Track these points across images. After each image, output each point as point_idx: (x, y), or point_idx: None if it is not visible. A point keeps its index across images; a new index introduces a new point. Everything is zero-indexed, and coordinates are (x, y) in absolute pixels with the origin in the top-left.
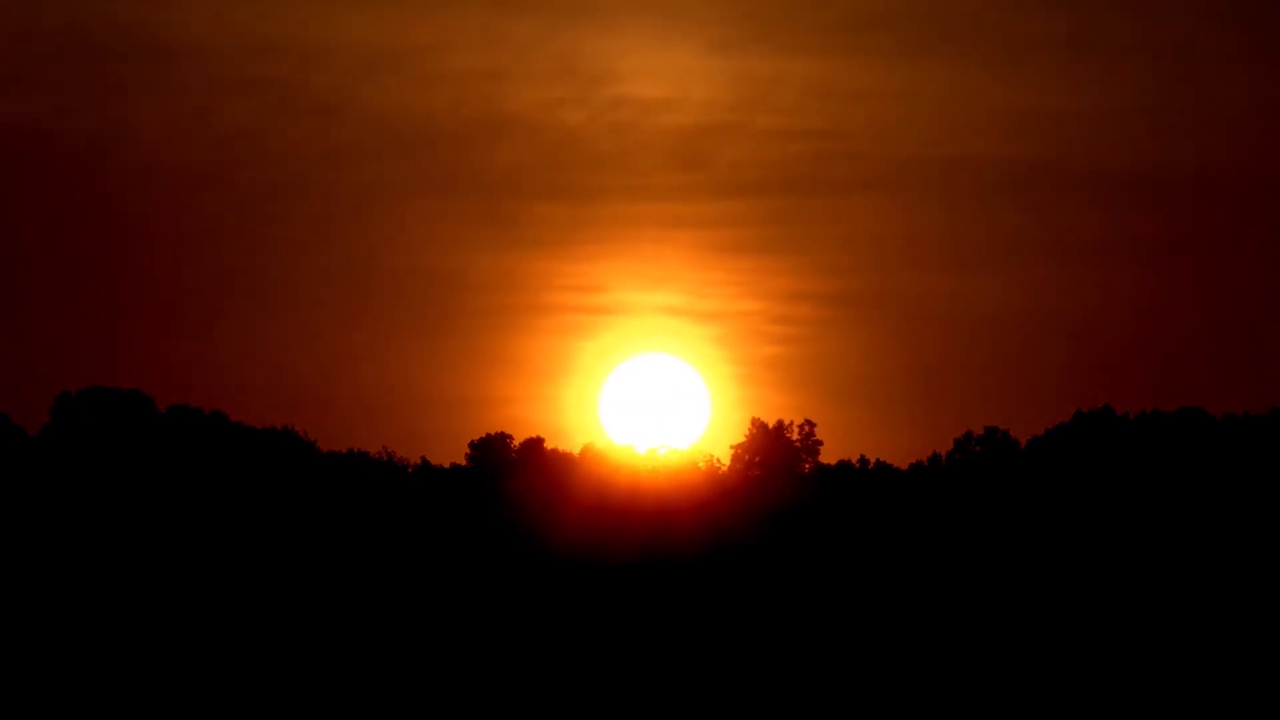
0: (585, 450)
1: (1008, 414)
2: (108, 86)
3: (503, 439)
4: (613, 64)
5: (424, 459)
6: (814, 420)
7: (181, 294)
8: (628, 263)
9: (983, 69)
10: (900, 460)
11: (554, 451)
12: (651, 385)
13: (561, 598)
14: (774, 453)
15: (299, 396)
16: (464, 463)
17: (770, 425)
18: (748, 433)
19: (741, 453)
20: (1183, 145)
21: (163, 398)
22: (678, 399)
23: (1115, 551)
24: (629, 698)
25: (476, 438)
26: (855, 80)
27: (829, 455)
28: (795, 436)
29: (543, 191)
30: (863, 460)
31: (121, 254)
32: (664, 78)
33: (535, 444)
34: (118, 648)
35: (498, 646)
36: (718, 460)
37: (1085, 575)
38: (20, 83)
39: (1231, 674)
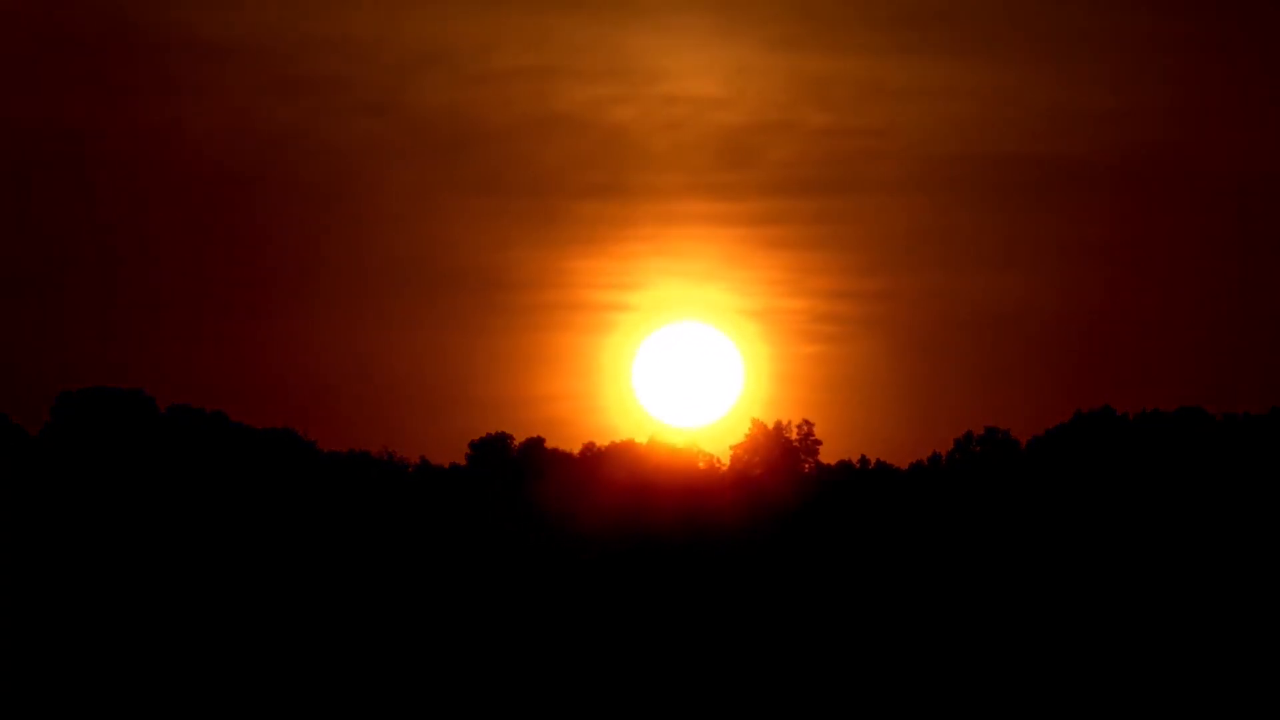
0: (585, 449)
1: (1008, 414)
2: (153, 85)
3: (503, 439)
4: (666, 62)
5: (424, 459)
6: (812, 420)
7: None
8: (669, 261)
9: (1036, 67)
10: (900, 460)
11: (554, 451)
12: (686, 356)
13: (562, 597)
14: (773, 453)
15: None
16: (463, 463)
17: (770, 425)
18: (747, 433)
19: (741, 453)
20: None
21: (163, 398)
22: (713, 370)
23: (1115, 551)
24: (629, 698)
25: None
26: (909, 78)
27: (829, 455)
28: (794, 436)
29: (589, 189)
30: (863, 460)
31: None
32: (718, 75)
33: (536, 444)
34: (119, 648)
35: (498, 646)
36: (718, 460)
37: (1085, 575)
38: (62, 81)
39: (1232, 674)
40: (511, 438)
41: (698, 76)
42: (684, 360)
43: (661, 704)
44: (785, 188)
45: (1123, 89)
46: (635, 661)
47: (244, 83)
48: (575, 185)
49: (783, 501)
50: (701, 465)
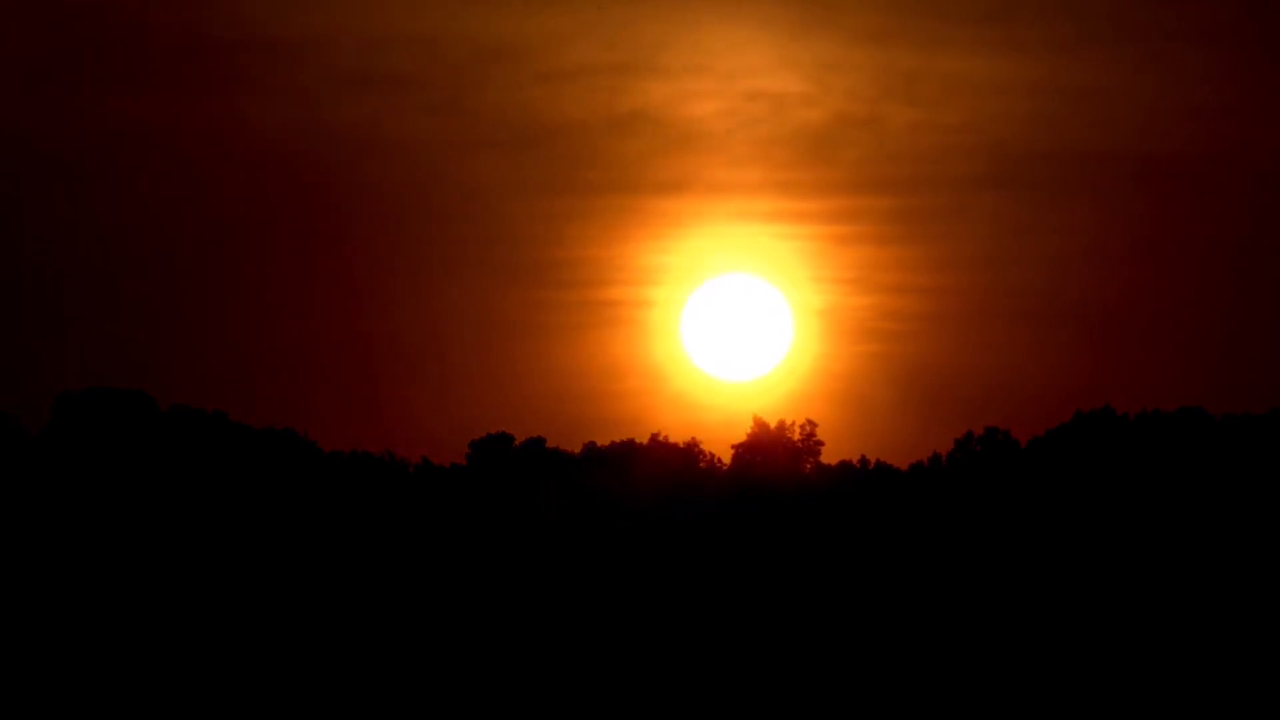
0: (585, 449)
1: (1008, 414)
2: (219, 82)
3: (503, 439)
4: (748, 57)
5: (425, 459)
6: (815, 420)
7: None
8: (737, 258)
9: (1123, 64)
10: (901, 460)
11: (554, 451)
12: (737, 310)
13: (561, 597)
14: (775, 452)
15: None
16: (463, 462)
17: (772, 425)
18: (749, 432)
19: (743, 452)
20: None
21: (163, 398)
22: (762, 324)
23: (1115, 551)
24: (630, 698)
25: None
26: (995, 73)
27: (830, 455)
28: (796, 436)
29: (661, 187)
30: (863, 460)
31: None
32: (801, 71)
33: (536, 444)
34: (119, 648)
35: (499, 646)
36: (719, 459)
37: (1085, 575)
38: (130, 78)
39: (1232, 674)
40: (512, 438)
41: (780, 72)
42: (732, 314)
43: (662, 704)
44: (865, 185)
45: (1215, 86)
46: (636, 661)
47: (312, 80)
48: (647, 182)
49: (783, 501)
50: (702, 464)
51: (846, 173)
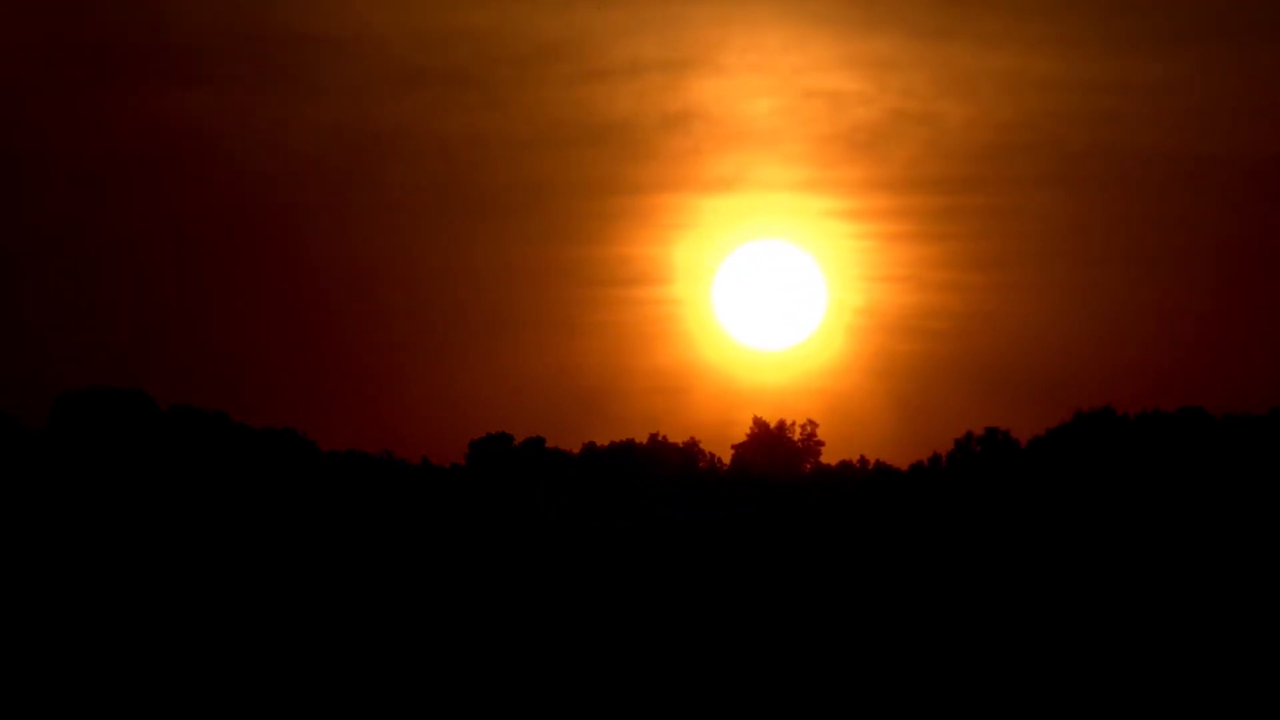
0: (585, 449)
1: (1008, 414)
2: (266, 78)
3: (503, 439)
4: (807, 55)
5: (424, 459)
6: (816, 420)
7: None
8: (779, 257)
9: (1183, 63)
10: (900, 461)
11: (554, 451)
12: (768, 275)
13: (561, 598)
14: (775, 453)
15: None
16: (463, 462)
17: (772, 425)
18: (749, 432)
19: (743, 452)
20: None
21: (164, 397)
22: (794, 292)
23: (1115, 551)
24: (629, 698)
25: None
26: (1057, 71)
27: (830, 455)
28: (796, 436)
29: (711, 185)
30: (863, 461)
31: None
32: (859, 68)
33: (536, 444)
34: (119, 648)
35: (499, 646)
36: (719, 459)
37: (1086, 575)
38: (180, 75)
39: (1232, 674)
40: (512, 438)
41: (838, 69)
42: (765, 281)
43: (662, 704)
44: (916, 182)
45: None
46: (636, 661)
47: (355, 77)
48: (697, 181)
49: (783, 501)
50: (701, 464)
51: (898, 170)
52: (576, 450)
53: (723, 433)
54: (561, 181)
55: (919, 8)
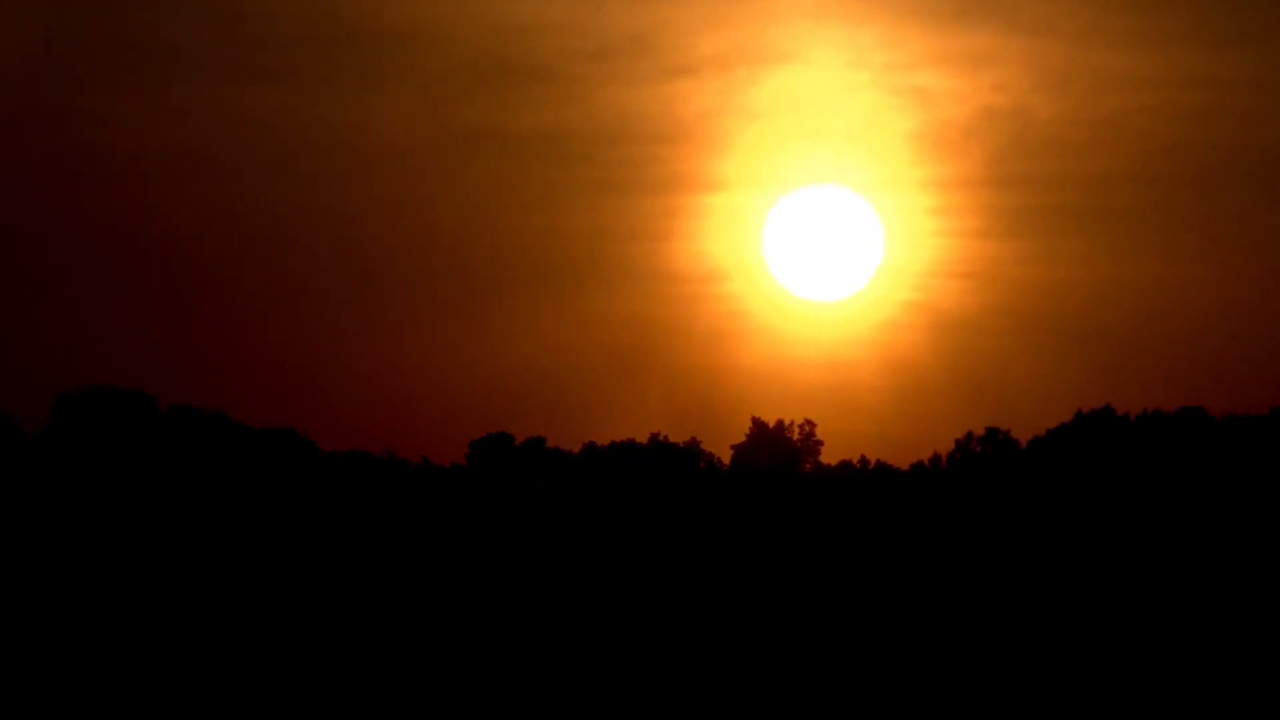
0: (585, 449)
1: (1008, 414)
2: (344, 74)
3: (503, 439)
4: (899, 50)
5: (425, 458)
6: (814, 420)
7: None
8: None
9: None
10: (901, 460)
11: (555, 451)
12: (821, 223)
13: (561, 597)
14: (775, 453)
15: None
16: (463, 462)
17: (771, 425)
18: (748, 431)
19: (743, 452)
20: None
21: (164, 398)
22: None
23: (1116, 551)
24: (629, 698)
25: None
26: (1152, 67)
27: (830, 455)
28: (796, 436)
29: (789, 183)
30: (863, 460)
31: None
32: (952, 63)
33: (536, 444)
34: (119, 648)
35: (499, 645)
36: (719, 459)
37: (1086, 575)
38: (256, 71)
39: (1232, 674)
40: (512, 438)
41: (929, 65)
42: (819, 228)
43: (662, 704)
44: (998, 180)
45: None
46: (636, 661)
47: (427, 75)
48: (774, 179)
49: (783, 502)
50: (701, 464)
51: (979, 168)
52: (576, 450)
53: (723, 433)
54: (640, 179)
55: (1014, 2)
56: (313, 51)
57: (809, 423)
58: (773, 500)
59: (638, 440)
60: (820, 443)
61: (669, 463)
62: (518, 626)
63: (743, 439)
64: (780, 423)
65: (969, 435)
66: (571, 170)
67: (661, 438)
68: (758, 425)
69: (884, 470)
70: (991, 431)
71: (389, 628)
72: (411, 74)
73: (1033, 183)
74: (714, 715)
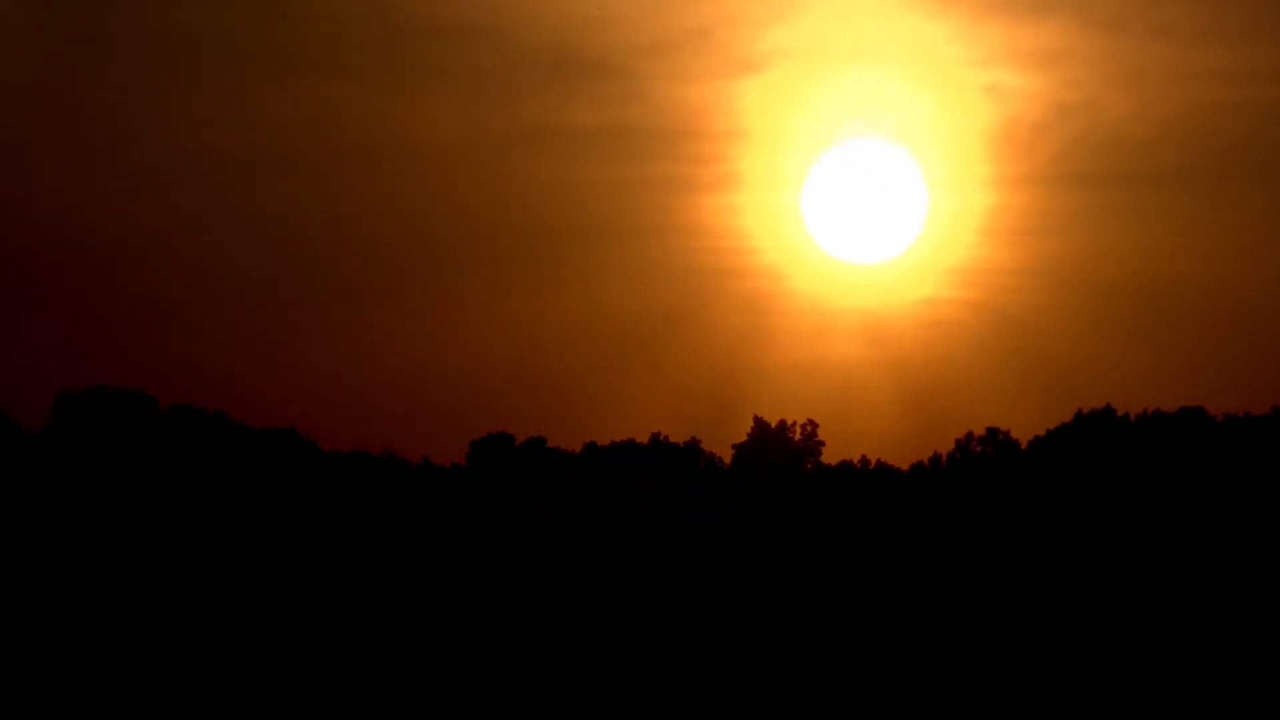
0: (585, 449)
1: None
2: (401, 70)
3: (503, 439)
4: (970, 46)
5: (425, 458)
6: (816, 420)
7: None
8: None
9: None
10: (901, 460)
11: (555, 451)
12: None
13: (561, 597)
14: (775, 453)
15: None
16: (463, 462)
17: (773, 425)
18: (749, 431)
19: (743, 452)
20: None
21: (164, 397)
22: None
23: (1116, 551)
24: (629, 698)
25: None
26: (1228, 62)
27: (830, 454)
28: (797, 436)
29: (856, 180)
30: (864, 460)
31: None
32: (1025, 58)
33: (536, 444)
34: (119, 648)
35: (499, 645)
36: (719, 459)
37: (1086, 575)
38: (309, 67)
39: (1232, 674)
40: (512, 437)
41: (1000, 61)
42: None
43: (661, 704)
44: (1063, 179)
45: None
46: (635, 661)
47: (486, 69)
48: (836, 177)
49: (783, 501)
50: (701, 464)
51: (1044, 167)
52: (577, 450)
53: (723, 432)
54: (698, 178)
55: None
56: (370, 46)
57: (811, 423)
58: (773, 500)
59: (638, 440)
60: (822, 443)
61: (669, 463)
62: (518, 626)
63: (744, 438)
64: (782, 422)
65: (969, 435)
66: (631, 167)
67: (662, 437)
68: (759, 425)
69: (884, 470)
70: (991, 431)
71: (389, 627)
72: (470, 70)
73: (1097, 180)
74: (714, 715)
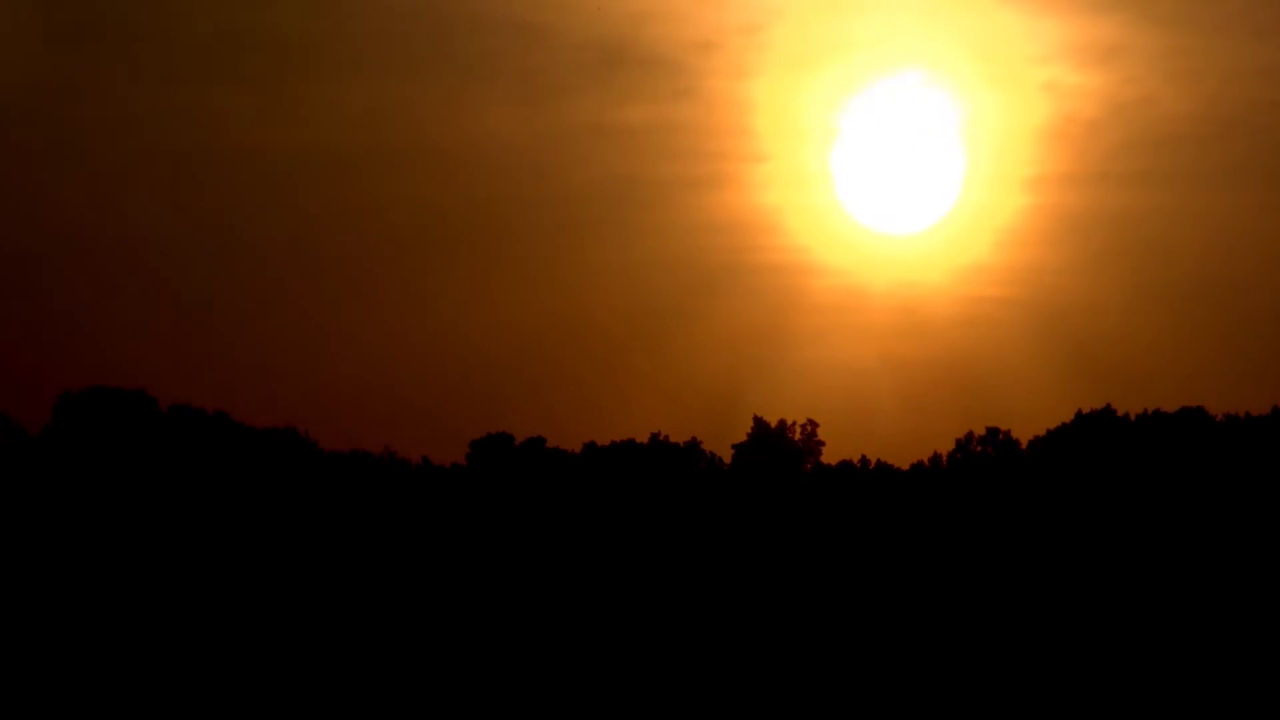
0: (585, 449)
1: (1008, 414)
2: (453, 67)
3: (503, 439)
4: (1032, 44)
5: (425, 458)
6: (816, 420)
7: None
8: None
9: None
10: (901, 460)
11: (555, 451)
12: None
13: (561, 597)
14: (776, 452)
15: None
16: (464, 462)
17: (773, 425)
18: (749, 431)
19: (743, 452)
20: None
21: (165, 398)
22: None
23: (1116, 551)
24: (629, 698)
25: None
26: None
27: (831, 454)
28: (797, 436)
29: (909, 178)
30: (864, 460)
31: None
32: (1083, 56)
33: (536, 444)
34: (119, 648)
35: (499, 645)
36: (719, 459)
37: (1086, 575)
38: (359, 64)
39: (1232, 674)
40: (512, 437)
41: (1061, 58)
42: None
43: (661, 704)
44: (1115, 178)
45: None
46: (635, 661)
47: (535, 67)
48: (898, 176)
49: (784, 502)
50: (702, 465)
51: (1097, 165)
52: (577, 450)
53: (724, 432)
54: (751, 176)
55: None
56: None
57: (811, 423)
58: (773, 500)
59: (638, 440)
60: (822, 443)
61: (669, 463)
62: (518, 625)
63: (744, 438)
64: (782, 422)
65: (969, 435)
66: (677, 165)
67: (662, 437)
68: (759, 425)
69: (884, 470)
70: (992, 431)
71: (390, 626)
72: (519, 68)
73: (1149, 178)
74: (715, 715)
